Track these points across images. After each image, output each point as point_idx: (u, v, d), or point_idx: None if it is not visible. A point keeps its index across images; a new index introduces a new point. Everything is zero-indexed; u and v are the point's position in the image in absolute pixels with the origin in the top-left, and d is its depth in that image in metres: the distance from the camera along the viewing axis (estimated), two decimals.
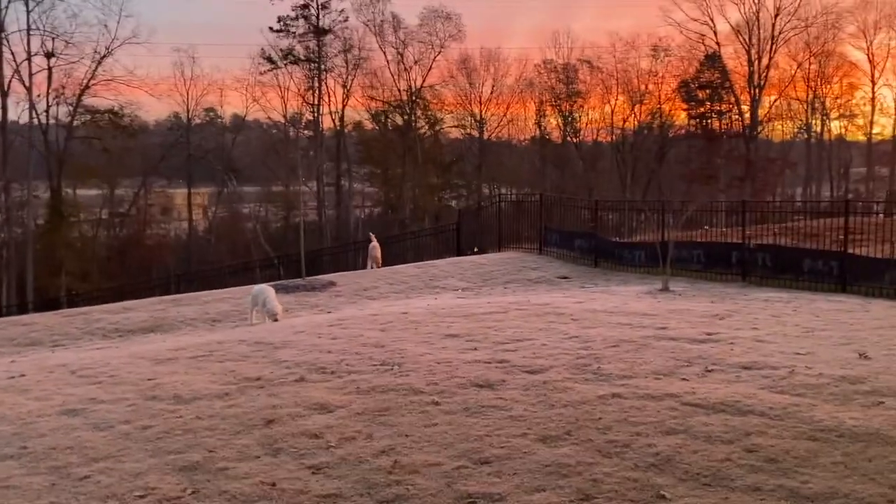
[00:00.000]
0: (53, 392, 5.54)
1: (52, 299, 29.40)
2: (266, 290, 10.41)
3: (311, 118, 44.22)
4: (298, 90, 43.25)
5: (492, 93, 46.49)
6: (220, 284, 18.10)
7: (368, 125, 46.82)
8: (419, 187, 43.06)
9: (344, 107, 44.40)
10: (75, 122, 37.54)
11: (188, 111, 45.44)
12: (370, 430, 4.19)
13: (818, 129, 46.00)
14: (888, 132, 45.50)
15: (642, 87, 45.52)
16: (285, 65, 42.19)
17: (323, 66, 42.40)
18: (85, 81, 36.65)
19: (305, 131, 45.12)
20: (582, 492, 3.37)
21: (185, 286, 20.94)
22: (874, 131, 45.50)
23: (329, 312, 10.84)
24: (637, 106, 45.51)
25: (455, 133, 47.84)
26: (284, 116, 45.07)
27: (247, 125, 48.19)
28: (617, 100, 46.19)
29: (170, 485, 3.62)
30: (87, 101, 37.26)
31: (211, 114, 47.52)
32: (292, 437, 4.14)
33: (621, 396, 4.54)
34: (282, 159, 41.58)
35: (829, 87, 44.96)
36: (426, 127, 46.12)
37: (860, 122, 45.74)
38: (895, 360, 5.42)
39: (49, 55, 35.24)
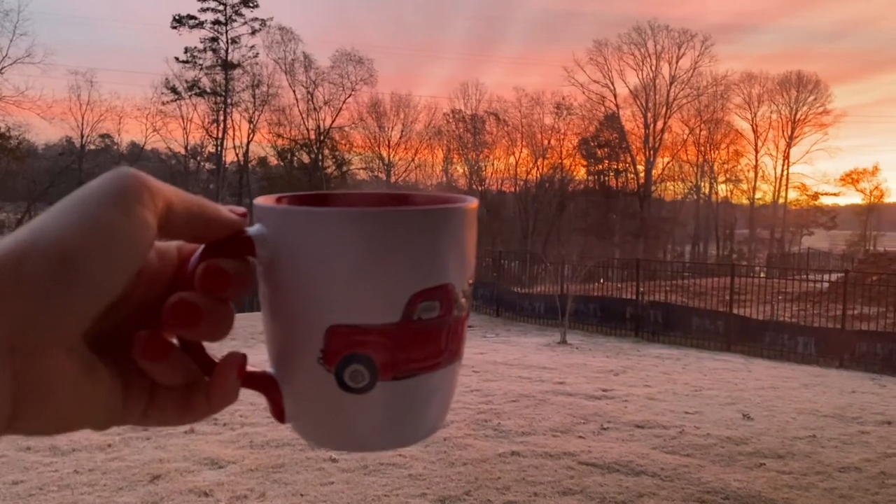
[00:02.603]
0: None
1: None
2: None
3: (213, 151, 43.14)
4: (202, 122, 42.13)
5: (401, 137, 46.94)
6: None
7: (274, 161, 46.15)
8: None
9: (249, 141, 43.55)
10: None
11: (82, 136, 43.33)
12: (263, 489, 4.01)
13: (706, 190, 48.98)
14: (769, 198, 49.02)
15: (545, 141, 47.22)
16: (189, 96, 41.15)
17: (229, 100, 41.63)
18: None
19: (207, 164, 43.93)
20: None
21: None
22: (756, 196, 48.90)
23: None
24: (540, 159, 47.09)
25: (363, 175, 47.82)
26: (185, 148, 43.77)
27: (145, 154, 46.35)
28: (521, 152, 47.67)
29: None
30: None
31: (107, 140, 45.49)
32: (179, 495, 3.91)
33: (520, 454, 4.56)
34: None
35: (717, 152, 48.08)
36: (333, 167, 45.92)
37: (744, 186, 49.04)
38: (774, 421, 5.73)
39: None
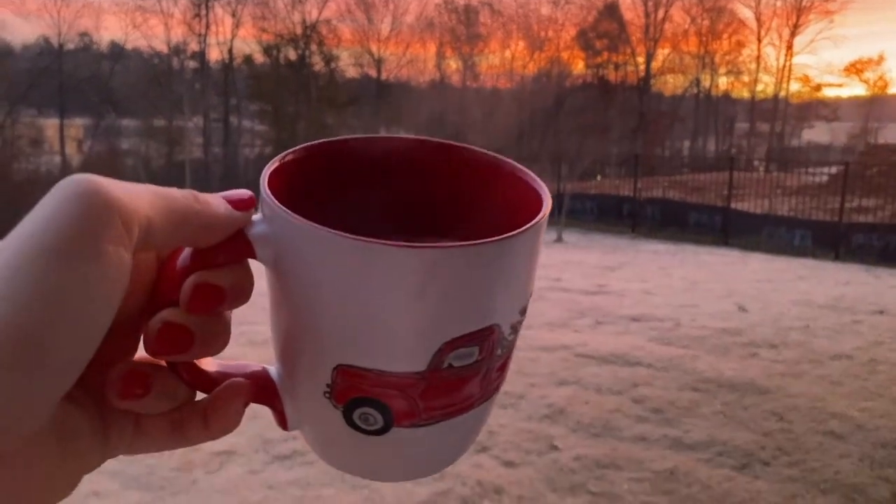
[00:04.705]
0: None
1: None
2: None
3: (196, 49, 41.79)
4: (183, 17, 40.56)
5: (391, 31, 45.38)
6: None
7: (260, 58, 44.82)
8: (313, 127, 41.88)
9: (233, 38, 41.99)
10: None
11: (60, 35, 41.81)
12: None
13: (707, 84, 48.00)
14: (770, 90, 48.07)
15: (542, 33, 45.72)
16: None
17: None
18: None
19: (191, 62, 42.66)
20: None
21: None
22: (757, 89, 47.95)
23: None
24: (536, 52, 45.79)
25: (352, 72, 46.46)
26: (168, 45, 42.35)
27: (126, 54, 44.72)
28: (517, 45, 46.30)
29: None
30: None
31: (86, 39, 43.84)
32: None
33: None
34: (164, 92, 39.17)
35: (719, 42, 46.62)
36: (321, 64, 44.62)
37: (745, 79, 48.00)
38: (769, 312, 5.79)
39: None
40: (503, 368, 0.35)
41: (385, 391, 0.32)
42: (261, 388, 0.35)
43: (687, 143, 47.23)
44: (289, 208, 0.31)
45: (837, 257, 10.90)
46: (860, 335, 5.21)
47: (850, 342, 4.99)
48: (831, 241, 11.24)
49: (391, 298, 0.30)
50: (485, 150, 0.40)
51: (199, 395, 0.34)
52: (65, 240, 0.25)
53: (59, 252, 0.25)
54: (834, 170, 14.88)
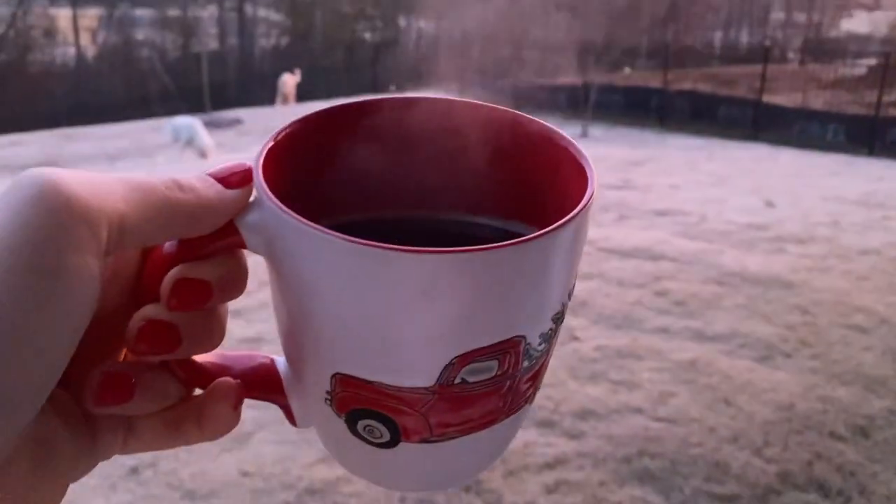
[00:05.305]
0: None
1: None
2: (193, 123, 9.43)
3: None
4: None
5: None
6: (115, 119, 16.89)
7: None
8: (330, 16, 40.61)
9: None
10: None
11: None
12: None
13: None
14: None
15: None
16: None
17: None
18: None
19: None
20: None
21: (77, 120, 19.48)
22: None
23: (237, 153, 10.38)
24: None
25: None
26: None
27: None
28: None
29: None
30: None
31: None
32: None
33: None
34: None
35: None
36: None
37: None
38: (797, 208, 5.68)
39: None
40: (536, 377, 0.30)
41: (389, 405, 0.28)
42: (264, 383, 0.31)
43: (719, 35, 45.37)
44: (292, 188, 0.27)
45: (871, 153, 10.59)
46: (890, 231, 5.11)
47: (880, 238, 4.90)
48: (866, 136, 10.90)
49: (392, 308, 0.26)
50: (529, 116, 0.34)
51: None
52: (21, 255, 0.22)
53: (14, 270, 0.21)
54: (873, 61, 14.25)
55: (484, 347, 0.27)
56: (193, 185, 0.26)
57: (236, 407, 0.30)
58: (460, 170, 0.35)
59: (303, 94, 17.61)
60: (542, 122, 0.33)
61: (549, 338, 0.29)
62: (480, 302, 0.26)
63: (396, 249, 0.24)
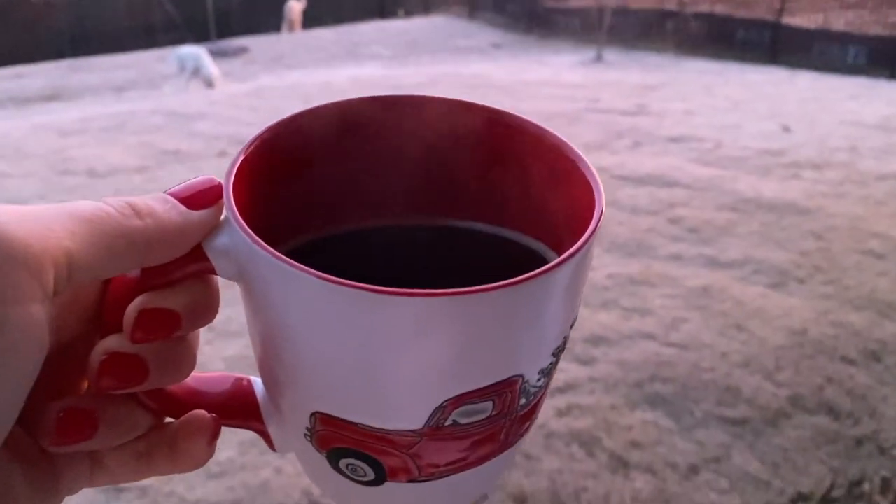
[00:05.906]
0: None
1: None
2: (199, 52, 9.32)
3: None
4: None
5: None
6: (119, 49, 16.62)
7: None
8: None
9: None
10: None
11: None
12: None
13: None
14: None
15: None
16: None
17: None
18: None
19: None
20: None
21: (81, 50, 19.20)
22: None
23: (244, 82, 10.23)
24: None
25: None
26: None
27: None
28: None
29: None
30: None
31: None
32: None
33: None
34: None
35: None
36: None
37: None
38: (814, 133, 5.56)
39: None
40: (534, 411, 0.28)
41: (374, 446, 0.26)
42: (241, 410, 0.30)
43: None
44: (269, 201, 0.25)
45: (893, 76, 10.30)
46: None
47: None
48: (889, 58, 10.57)
49: (377, 351, 0.24)
50: (533, 121, 0.32)
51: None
52: None
53: None
54: None
55: (477, 390, 0.25)
56: (152, 209, 0.24)
57: (211, 443, 0.28)
58: (454, 174, 0.33)
59: (309, 21, 17.22)
60: (548, 129, 0.31)
61: (548, 372, 0.28)
62: (474, 344, 0.24)
63: (381, 291, 0.22)
